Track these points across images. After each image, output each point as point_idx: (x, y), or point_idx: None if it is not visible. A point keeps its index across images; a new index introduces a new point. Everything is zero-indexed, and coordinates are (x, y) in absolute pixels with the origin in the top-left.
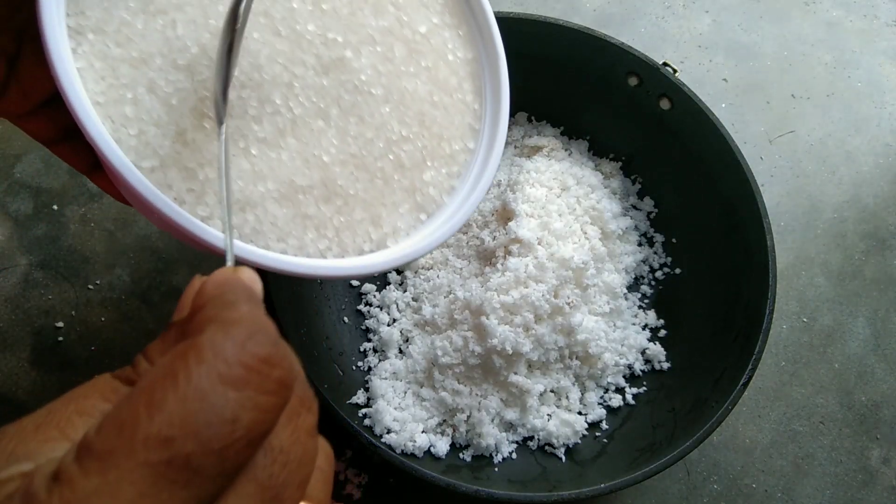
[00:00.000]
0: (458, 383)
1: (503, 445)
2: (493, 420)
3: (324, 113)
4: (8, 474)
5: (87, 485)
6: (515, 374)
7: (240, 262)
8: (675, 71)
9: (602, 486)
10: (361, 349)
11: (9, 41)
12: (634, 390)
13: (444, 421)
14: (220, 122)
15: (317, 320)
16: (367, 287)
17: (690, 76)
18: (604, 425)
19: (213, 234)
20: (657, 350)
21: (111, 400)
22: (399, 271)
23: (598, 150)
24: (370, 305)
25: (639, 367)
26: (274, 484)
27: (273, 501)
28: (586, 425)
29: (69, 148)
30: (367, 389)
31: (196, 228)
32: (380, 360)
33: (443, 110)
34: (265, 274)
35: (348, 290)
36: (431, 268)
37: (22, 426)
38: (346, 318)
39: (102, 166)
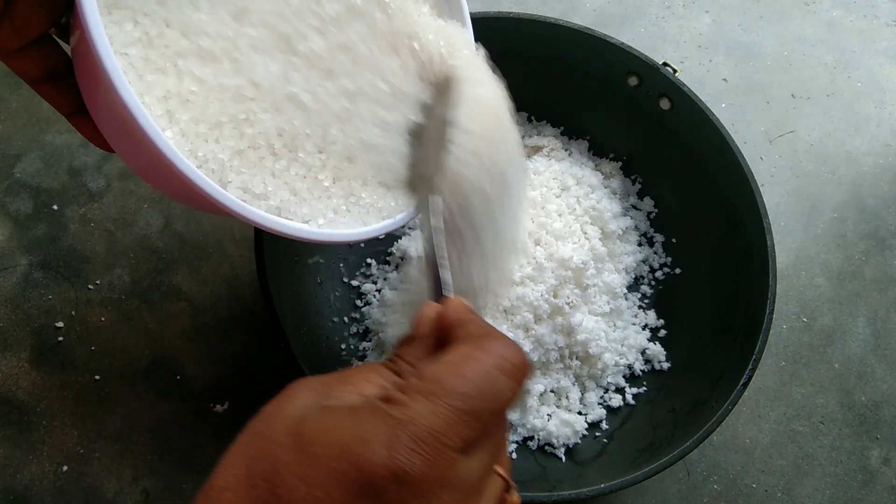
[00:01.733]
0: None
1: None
2: None
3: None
4: (338, 402)
5: (416, 406)
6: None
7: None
8: (675, 71)
9: (602, 486)
10: (361, 348)
11: None
12: (634, 390)
13: None
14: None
15: (317, 320)
16: (368, 287)
17: (690, 76)
18: (604, 425)
19: (205, 180)
20: (657, 350)
21: (385, 377)
22: (398, 268)
23: (598, 150)
24: (370, 305)
25: (639, 367)
26: (499, 442)
27: (496, 453)
28: (586, 425)
29: (53, 88)
30: None
31: (205, 185)
32: (379, 359)
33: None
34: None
35: (349, 290)
36: None
37: (327, 381)
38: (346, 318)
39: (88, 108)
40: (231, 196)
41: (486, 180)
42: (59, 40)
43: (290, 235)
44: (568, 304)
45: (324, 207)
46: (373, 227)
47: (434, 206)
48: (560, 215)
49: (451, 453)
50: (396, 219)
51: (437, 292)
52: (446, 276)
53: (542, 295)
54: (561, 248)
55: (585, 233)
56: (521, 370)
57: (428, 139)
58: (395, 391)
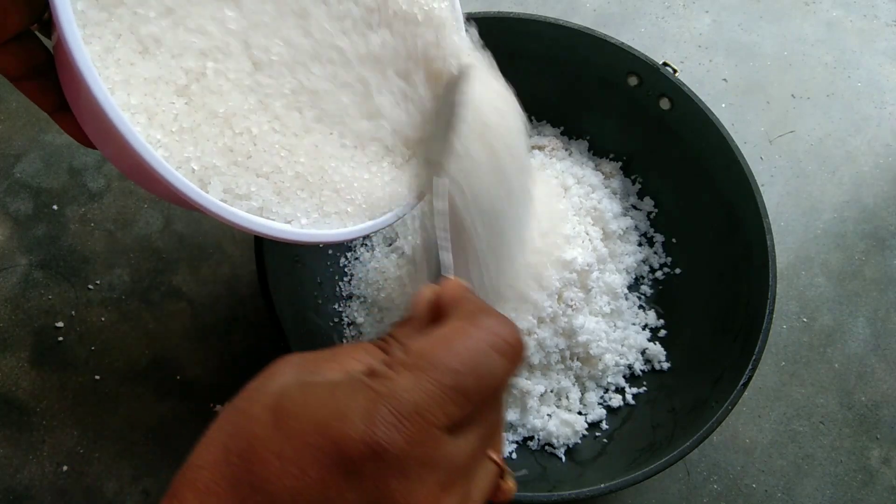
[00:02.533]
0: None
1: (503, 445)
2: None
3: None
4: (320, 378)
5: (400, 380)
6: (516, 376)
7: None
8: (675, 71)
9: (602, 486)
10: None
11: None
12: (634, 390)
13: None
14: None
15: (317, 320)
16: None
17: (690, 76)
18: (604, 425)
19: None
20: (657, 350)
21: (373, 355)
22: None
23: (598, 150)
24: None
25: (639, 367)
26: (493, 425)
27: (489, 437)
28: (586, 425)
29: (36, 86)
30: None
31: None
32: None
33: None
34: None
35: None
36: None
37: (313, 358)
38: (345, 318)
39: (70, 105)
40: (210, 197)
41: (492, 169)
42: (41, 37)
43: (270, 236)
44: (571, 306)
45: (308, 207)
46: (357, 227)
47: (439, 188)
48: (563, 219)
49: (435, 431)
50: (381, 219)
51: (436, 275)
52: (446, 257)
53: (546, 299)
54: (568, 250)
55: (588, 234)
56: (515, 349)
57: (437, 125)
58: (380, 366)
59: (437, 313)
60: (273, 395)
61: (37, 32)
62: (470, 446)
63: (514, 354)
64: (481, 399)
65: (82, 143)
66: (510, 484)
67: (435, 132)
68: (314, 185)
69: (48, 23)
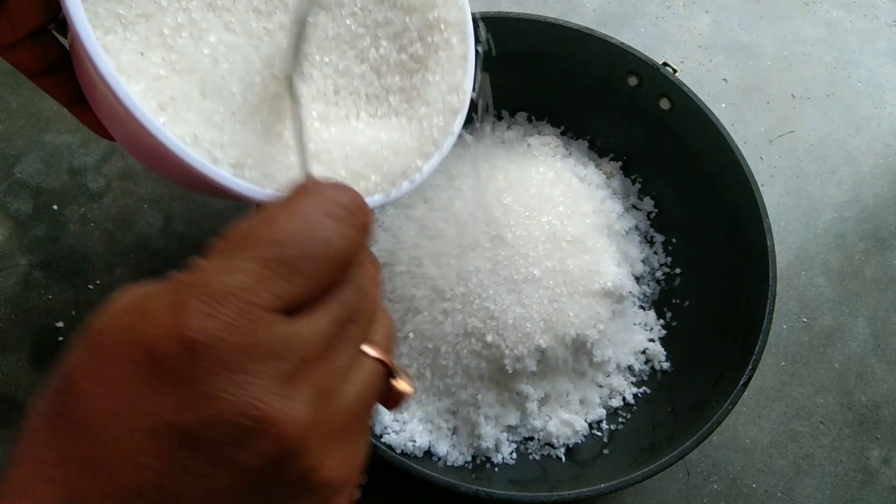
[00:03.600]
0: (459, 384)
1: (503, 445)
2: (493, 421)
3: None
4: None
5: (212, 266)
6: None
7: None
8: (675, 71)
9: (602, 486)
10: None
11: None
12: (634, 390)
13: (445, 421)
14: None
15: None
16: None
17: (690, 76)
18: (604, 425)
19: (195, 157)
20: (657, 350)
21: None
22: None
23: (598, 150)
24: None
25: (639, 367)
26: (349, 306)
27: (347, 321)
28: (586, 425)
29: (52, 81)
30: None
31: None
32: None
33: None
34: None
35: None
36: None
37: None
38: None
39: (88, 98)
40: (221, 171)
41: None
42: (57, 35)
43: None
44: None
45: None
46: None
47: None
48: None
49: (260, 312)
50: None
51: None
52: (307, 159)
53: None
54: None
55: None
56: (354, 214)
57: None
58: (197, 258)
59: None
60: (96, 323)
61: (54, 32)
62: (318, 330)
63: (352, 218)
64: (318, 271)
65: (100, 134)
66: (403, 386)
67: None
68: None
69: (64, 21)
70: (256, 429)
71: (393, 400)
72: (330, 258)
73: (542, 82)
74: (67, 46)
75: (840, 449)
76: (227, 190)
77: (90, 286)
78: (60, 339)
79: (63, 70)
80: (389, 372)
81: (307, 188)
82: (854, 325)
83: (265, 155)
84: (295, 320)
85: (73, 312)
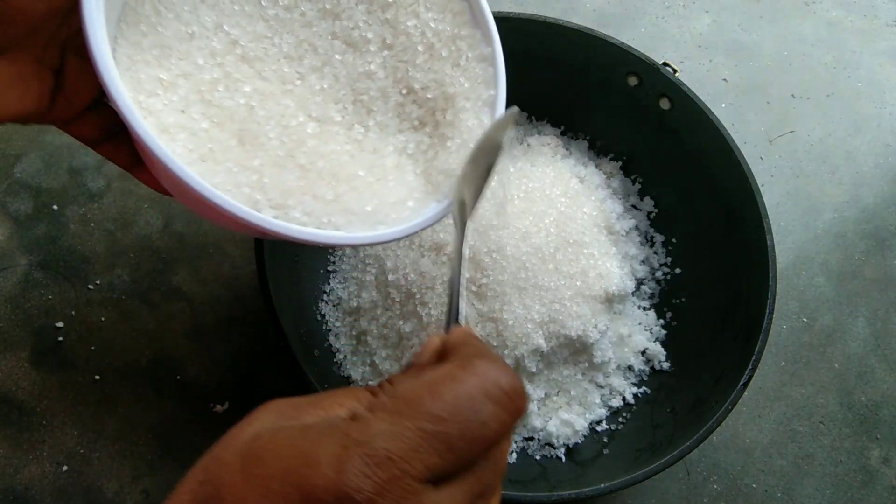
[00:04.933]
0: None
1: None
2: None
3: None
4: (300, 423)
5: (377, 425)
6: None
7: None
8: (675, 71)
9: (602, 486)
10: (359, 351)
11: (55, 55)
12: (634, 390)
13: None
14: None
15: (317, 320)
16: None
17: (690, 76)
18: (604, 425)
19: (245, 210)
20: (657, 350)
21: (361, 400)
22: None
23: (598, 150)
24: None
25: (639, 367)
26: (485, 483)
27: (480, 496)
28: (586, 425)
29: (111, 146)
30: None
31: (238, 210)
32: (381, 362)
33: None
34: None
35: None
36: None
37: (297, 403)
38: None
39: (143, 160)
40: (271, 220)
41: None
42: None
43: (324, 243)
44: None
45: (338, 210)
46: (388, 230)
47: (468, 232)
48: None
49: (411, 482)
50: (407, 226)
51: (451, 321)
52: (462, 305)
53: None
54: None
55: (597, 239)
56: (512, 400)
57: (473, 166)
58: (362, 410)
59: (440, 361)
60: (246, 440)
61: (107, 102)
62: (453, 502)
63: (510, 405)
64: (469, 450)
65: (161, 192)
66: None
67: (471, 173)
68: (343, 188)
69: None
70: None
71: None
72: (483, 440)
73: (542, 82)
74: None
75: (840, 449)
76: (271, 232)
77: (90, 286)
78: (60, 339)
79: (120, 136)
80: None
81: (472, 364)
82: (854, 325)
83: (307, 194)
84: (438, 491)
85: (73, 312)
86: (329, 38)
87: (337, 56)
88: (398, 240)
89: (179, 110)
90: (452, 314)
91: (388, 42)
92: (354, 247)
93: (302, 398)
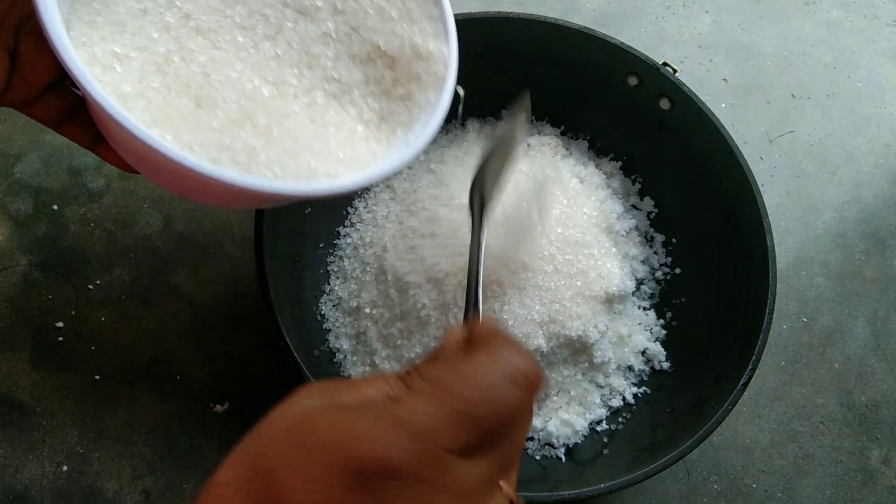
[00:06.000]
0: None
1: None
2: None
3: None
4: (341, 402)
5: (416, 405)
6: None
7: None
8: (675, 71)
9: (602, 486)
10: (359, 351)
11: (8, 37)
12: (634, 390)
13: None
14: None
15: (317, 320)
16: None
17: (690, 76)
18: (604, 425)
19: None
20: (657, 350)
21: (393, 385)
22: None
23: (598, 150)
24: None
25: (639, 367)
26: (507, 456)
27: (503, 467)
28: (586, 425)
29: (73, 126)
30: None
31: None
32: (381, 362)
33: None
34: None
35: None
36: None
37: (335, 386)
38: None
39: (105, 138)
40: (224, 170)
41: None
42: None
43: (258, 189)
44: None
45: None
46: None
47: (488, 224)
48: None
49: (446, 455)
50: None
51: (470, 308)
52: (481, 295)
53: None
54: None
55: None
56: (531, 381)
57: (491, 160)
58: (400, 391)
59: (468, 352)
60: (294, 417)
61: (68, 85)
62: (481, 472)
63: (529, 386)
64: (494, 427)
65: (125, 170)
66: None
67: (488, 167)
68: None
69: None
70: None
71: None
72: (506, 417)
73: (542, 82)
74: (81, 94)
75: (840, 449)
76: (241, 189)
77: (90, 286)
78: (60, 339)
79: (80, 115)
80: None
81: (491, 347)
82: (854, 325)
83: (268, 150)
84: (468, 463)
85: (73, 312)
86: (280, 6)
87: (289, 24)
88: (361, 188)
89: (136, 80)
90: (471, 305)
91: (339, 8)
92: (319, 198)
93: (338, 381)
